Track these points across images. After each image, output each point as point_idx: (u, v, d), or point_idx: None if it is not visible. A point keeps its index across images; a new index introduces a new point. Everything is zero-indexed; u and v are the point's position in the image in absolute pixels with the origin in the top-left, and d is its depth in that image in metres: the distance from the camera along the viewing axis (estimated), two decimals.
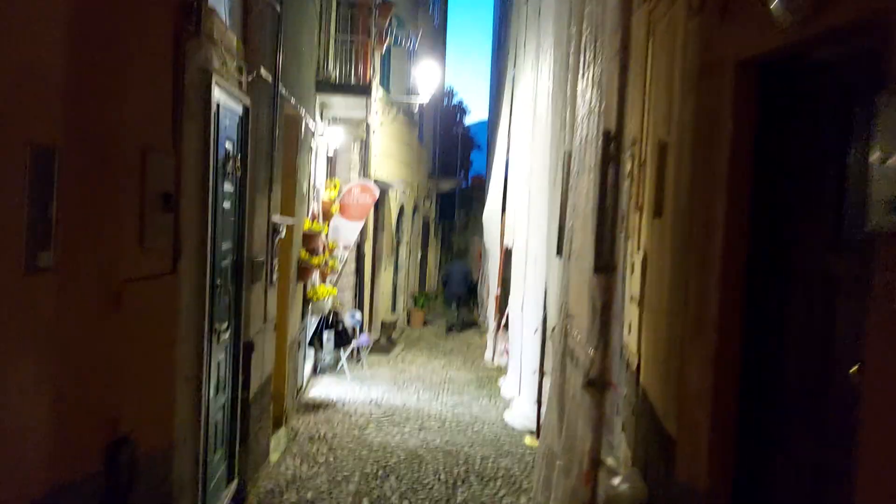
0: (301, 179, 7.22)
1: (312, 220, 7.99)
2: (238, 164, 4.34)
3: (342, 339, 9.17)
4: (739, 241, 3.14)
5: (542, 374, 7.56)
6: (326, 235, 10.08)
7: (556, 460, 4.60)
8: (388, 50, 12.24)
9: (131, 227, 2.99)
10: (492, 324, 12.76)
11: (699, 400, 3.35)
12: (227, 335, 4.41)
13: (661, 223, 4.30)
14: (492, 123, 18.08)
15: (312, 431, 7.20)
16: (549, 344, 6.08)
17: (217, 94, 3.91)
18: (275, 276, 5.67)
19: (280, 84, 5.53)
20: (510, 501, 5.70)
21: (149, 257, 3.16)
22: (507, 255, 12.26)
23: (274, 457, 6.14)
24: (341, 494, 5.55)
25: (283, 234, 5.73)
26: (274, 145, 5.45)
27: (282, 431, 6.81)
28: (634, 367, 4.86)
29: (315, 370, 9.76)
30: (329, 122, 9.55)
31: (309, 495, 5.46)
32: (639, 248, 4.87)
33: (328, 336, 8.91)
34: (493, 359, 12.09)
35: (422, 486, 5.87)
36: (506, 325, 11.80)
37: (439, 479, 6.06)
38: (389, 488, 5.77)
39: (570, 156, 5.37)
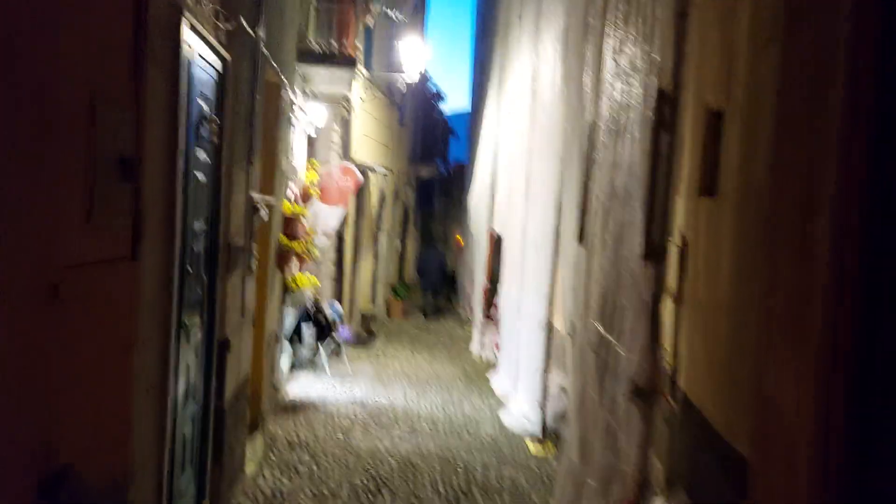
0: (281, 155, 6.47)
1: (292, 203, 7.24)
2: (215, 128, 3.60)
3: (324, 332, 8.43)
4: (852, 226, 2.52)
5: (546, 373, 6.93)
6: (306, 219, 9.34)
7: (586, 479, 3.96)
8: (371, 26, 11.47)
9: (75, 198, 2.25)
10: (478, 315, 12.12)
11: (792, 417, 2.73)
12: (198, 333, 3.68)
13: (715, 204, 3.64)
14: (475, 108, 17.39)
15: (292, 436, 6.49)
16: (564, 343, 5.46)
17: (189, 38, 3.17)
18: (253, 263, 4.94)
19: (262, 41, 4.78)
20: None
21: (99, 238, 2.43)
22: (496, 242, 11.62)
23: (250, 468, 5.42)
24: None
25: (264, 216, 5.00)
26: (254, 111, 4.71)
27: (258, 438, 6.08)
28: (670, 370, 4.22)
29: (293, 366, 9.03)
30: (309, 97, 8.78)
31: None
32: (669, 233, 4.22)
33: (309, 329, 8.17)
34: (479, 352, 11.46)
35: (419, 502, 5.21)
36: (492, 315, 11.17)
37: (439, 494, 5.40)
38: None
39: (593, 126, 4.71)
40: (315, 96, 8.95)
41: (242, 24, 4.12)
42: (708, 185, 3.69)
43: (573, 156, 5.39)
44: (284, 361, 8.62)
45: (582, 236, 4.90)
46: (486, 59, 14.54)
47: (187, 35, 3.12)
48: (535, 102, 8.01)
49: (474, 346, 11.78)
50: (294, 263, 8.37)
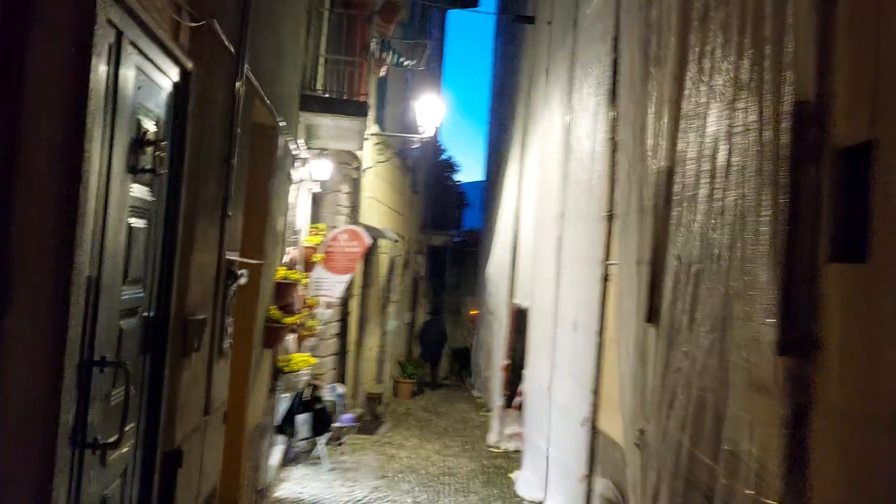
0: (276, 211, 5.44)
1: (290, 269, 6.17)
2: (163, 154, 2.56)
3: (321, 423, 7.18)
4: None
5: (590, 480, 5.67)
6: (306, 288, 8.27)
7: None
8: (384, 80, 10.69)
9: None
10: (497, 400, 10.84)
11: None
12: (125, 449, 2.54)
13: (865, 273, 2.52)
14: (492, 175, 16.52)
15: None
16: (615, 452, 4.25)
17: (117, 19, 2.16)
18: (226, 343, 3.82)
19: (246, 64, 3.80)
20: None
21: None
22: (517, 316, 10.47)
23: None
24: None
25: (242, 281, 3.92)
26: (233, 149, 3.68)
27: None
28: None
29: (285, 461, 7.76)
30: (316, 153, 7.84)
31: None
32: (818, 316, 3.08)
33: (304, 419, 6.94)
34: (498, 442, 10.13)
35: None
36: (515, 404, 9.90)
37: None
38: None
39: (668, 172, 3.65)
40: (321, 152, 8.02)
41: (215, 30, 3.13)
42: (853, 245, 2.58)
43: (632, 212, 4.32)
44: (275, 455, 7.37)
45: (651, 314, 3.77)
46: (506, 122, 13.76)
47: (113, 13, 2.11)
48: (571, 158, 7.02)
49: (492, 436, 10.45)
50: (290, 340, 7.24)
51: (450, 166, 24.23)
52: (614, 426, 5.97)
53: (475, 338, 15.86)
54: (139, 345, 2.67)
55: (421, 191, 17.64)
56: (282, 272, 5.91)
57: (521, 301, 9.86)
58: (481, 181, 20.67)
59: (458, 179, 24.99)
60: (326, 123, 7.26)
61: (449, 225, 22.05)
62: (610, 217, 5.60)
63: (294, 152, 6.37)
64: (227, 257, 3.67)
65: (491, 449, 10.00)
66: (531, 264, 9.04)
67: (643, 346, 3.86)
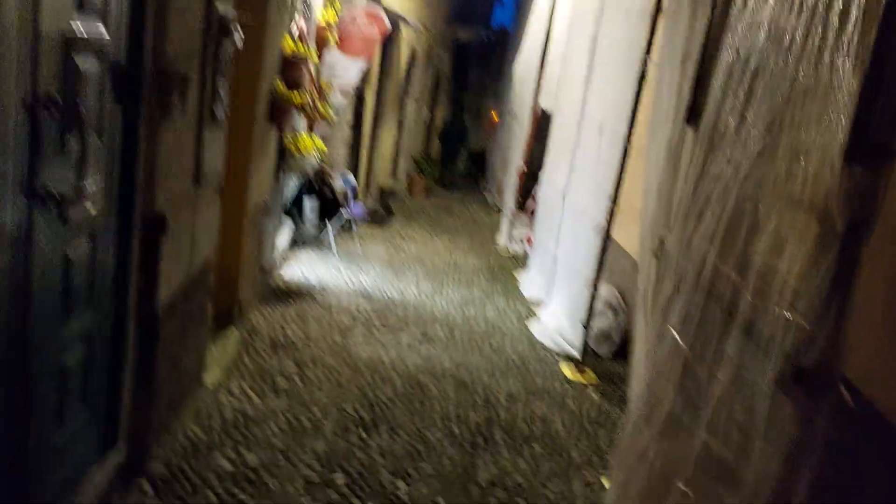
0: None
1: (297, 42, 5.65)
2: None
3: (329, 209, 7.02)
4: None
5: (595, 286, 5.58)
6: (317, 69, 7.77)
7: (676, 483, 2.66)
8: None
9: None
10: (509, 203, 10.68)
11: None
12: (92, 211, 2.30)
13: None
14: None
15: (277, 334, 5.28)
16: (639, 260, 4.04)
17: None
18: (220, 110, 3.48)
19: None
20: (559, 486, 3.87)
21: None
22: (540, 120, 9.99)
23: (213, 376, 4.22)
24: (303, 458, 3.68)
25: (238, 41, 3.48)
26: None
27: (231, 334, 4.88)
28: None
29: (294, 243, 7.76)
30: None
31: (251, 458, 3.58)
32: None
33: (311, 204, 6.76)
34: (507, 244, 10.12)
35: (426, 448, 4.01)
36: (527, 207, 9.74)
37: (452, 436, 4.20)
38: (377, 450, 3.89)
39: None
40: None
41: None
42: None
43: (684, 5, 3.74)
44: (282, 237, 7.34)
45: (692, 115, 3.36)
46: None
47: None
48: None
49: (501, 238, 10.42)
50: (298, 121, 6.89)
51: None
52: (627, 235, 5.77)
53: (493, 140, 15.42)
54: (109, 95, 2.33)
55: None
56: (290, 45, 5.41)
57: (545, 103, 9.32)
58: None
59: None
60: None
61: (478, 20, 20.59)
62: (656, 12, 5.02)
63: None
64: (218, 9, 3.20)
65: (499, 250, 10.02)
66: (560, 65, 8.39)
67: (677, 151, 3.49)
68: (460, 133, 17.54)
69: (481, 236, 10.87)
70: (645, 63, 5.14)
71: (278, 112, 5.28)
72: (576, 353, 5.68)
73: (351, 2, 8.72)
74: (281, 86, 5.28)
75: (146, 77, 2.51)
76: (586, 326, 5.57)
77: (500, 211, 12.63)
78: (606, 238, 5.37)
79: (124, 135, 2.51)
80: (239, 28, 3.51)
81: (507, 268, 8.97)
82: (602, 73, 6.32)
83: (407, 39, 11.97)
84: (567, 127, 7.34)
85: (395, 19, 9.77)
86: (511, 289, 7.95)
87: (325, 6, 7.69)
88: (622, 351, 5.90)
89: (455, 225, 11.56)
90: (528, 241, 9.14)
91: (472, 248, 9.89)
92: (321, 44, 7.55)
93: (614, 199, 5.29)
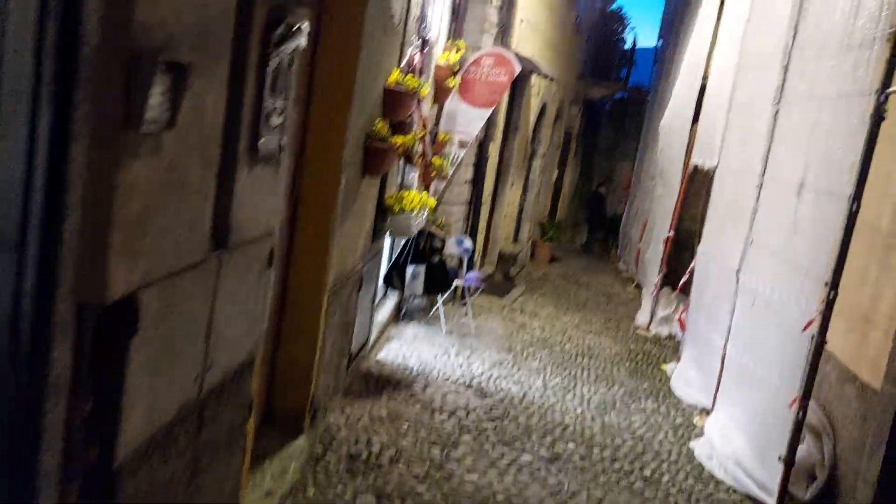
0: None
1: (407, 74, 4.55)
2: None
3: (438, 281, 5.74)
4: None
5: (804, 406, 3.94)
6: (434, 115, 6.76)
7: None
8: None
9: None
10: (652, 276, 9.09)
11: None
12: None
13: None
14: (671, 31, 13.57)
15: (360, 443, 4.02)
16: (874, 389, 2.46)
17: None
18: (274, 142, 2.33)
19: None
20: None
21: None
22: (690, 179, 8.45)
23: None
24: None
25: (302, 41, 2.34)
26: None
27: (297, 448, 3.66)
28: None
29: (397, 316, 6.59)
30: None
31: None
32: None
33: (415, 272, 5.56)
34: (648, 325, 8.50)
35: None
36: (679, 286, 8.11)
37: None
38: None
39: None
40: None
41: None
42: None
43: None
44: (383, 310, 6.18)
45: None
46: None
47: None
48: None
49: (642, 317, 8.82)
50: (409, 174, 5.79)
51: (620, 18, 21.11)
52: (849, 347, 4.15)
53: (627, 206, 13.86)
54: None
55: (584, 32, 15.14)
56: (394, 75, 4.32)
57: (700, 160, 7.79)
58: (652, 48, 17.66)
59: (625, 36, 21.73)
60: None
61: (611, 77, 19.29)
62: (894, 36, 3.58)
63: None
64: None
65: (639, 331, 8.41)
66: (721, 116, 6.89)
67: None
68: (599, 197, 16.78)
69: (616, 314, 9.30)
70: (880, 98, 3.63)
71: (376, 159, 4.16)
72: (768, 500, 4.02)
73: (478, 43, 7.71)
74: (381, 125, 4.16)
75: (85, 55, 1.38)
76: (789, 464, 3.91)
77: (635, 283, 11.03)
78: (821, 343, 3.74)
79: (49, 159, 1.37)
80: (305, 29, 2.38)
81: (651, 356, 7.37)
82: (798, 117, 4.80)
83: (538, 91, 10.85)
84: (738, 187, 5.81)
85: (525, 66, 8.68)
86: (659, 385, 6.35)
87: (446, 46, 6.69)
88: (828, 492, 4.21)
89: (585, 298, 10.06)
90: (681, 323, 7.51)
91: (606, 329, 8.35)
92: (439, 86, 6.52)
93: (833, 288, 3.69)
